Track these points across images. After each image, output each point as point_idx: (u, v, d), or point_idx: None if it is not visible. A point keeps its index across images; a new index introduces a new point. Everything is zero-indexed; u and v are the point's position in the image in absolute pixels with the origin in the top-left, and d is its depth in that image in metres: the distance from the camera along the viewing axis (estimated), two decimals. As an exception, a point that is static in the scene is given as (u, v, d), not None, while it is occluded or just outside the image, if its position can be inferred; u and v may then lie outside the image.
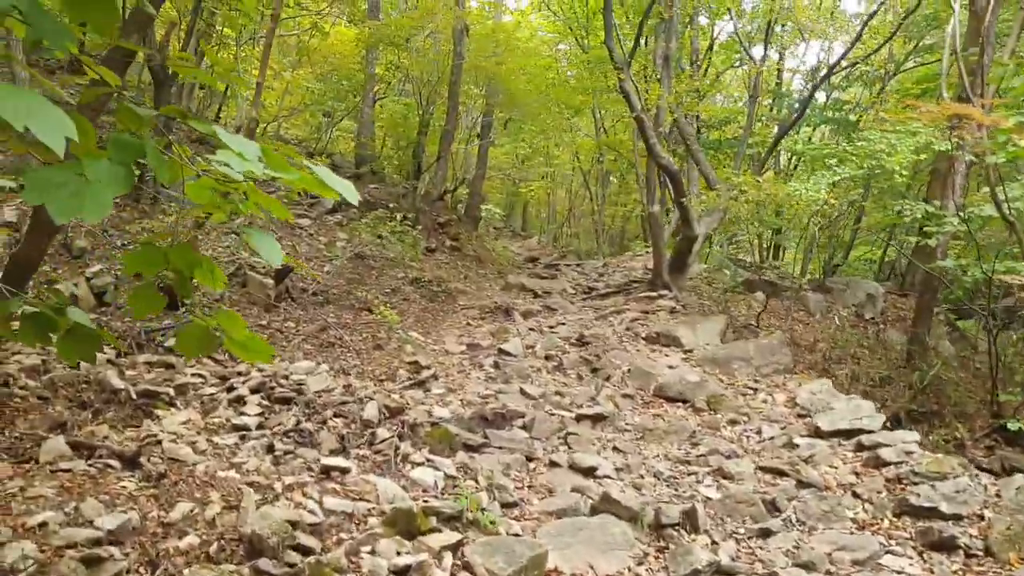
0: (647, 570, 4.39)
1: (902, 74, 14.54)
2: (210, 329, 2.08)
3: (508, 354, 8.22)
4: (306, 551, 3.50)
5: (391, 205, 11.91)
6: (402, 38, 12.62)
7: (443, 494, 4.83)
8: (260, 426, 5.29)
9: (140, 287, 2.09)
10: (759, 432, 6.42)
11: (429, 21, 11.72)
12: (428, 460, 5.17)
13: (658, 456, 6.01)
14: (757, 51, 14.11)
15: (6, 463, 3.81)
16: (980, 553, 4.72)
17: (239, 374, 6.15)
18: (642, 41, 12.31)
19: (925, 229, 8.43)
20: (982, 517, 5.02)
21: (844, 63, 11.78)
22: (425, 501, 4.57)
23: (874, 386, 8.71)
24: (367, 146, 13.53)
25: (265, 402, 5.71)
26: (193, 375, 5.99)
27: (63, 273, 7.11)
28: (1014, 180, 7.46)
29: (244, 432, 5.10)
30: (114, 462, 4.06)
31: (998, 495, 5.25)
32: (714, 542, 4.69)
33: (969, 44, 10.91)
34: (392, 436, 5.22)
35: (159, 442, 4.42)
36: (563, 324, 9.45)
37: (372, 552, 3.67)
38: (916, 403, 8.33)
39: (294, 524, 3.61)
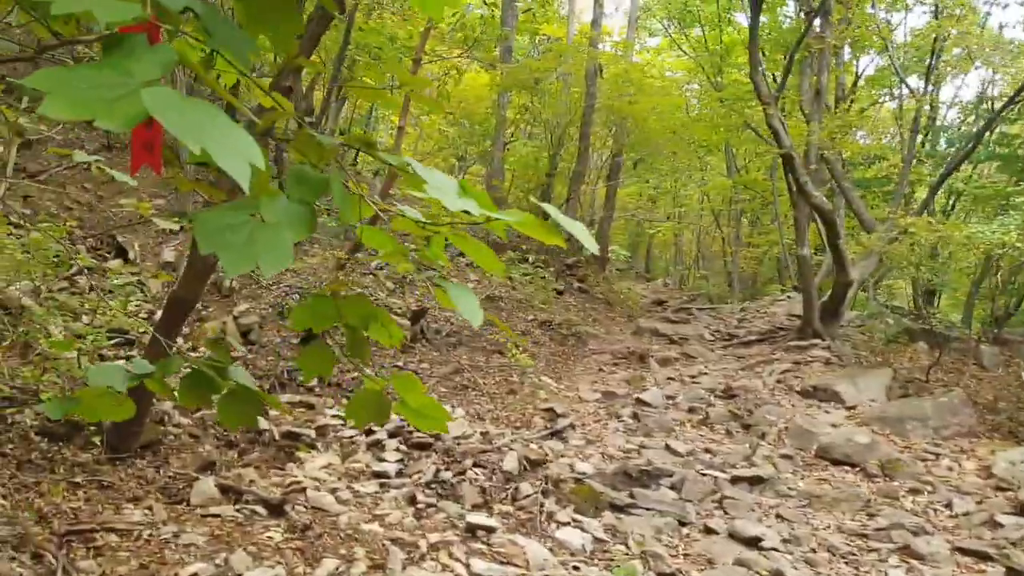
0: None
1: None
2: (383, 394, 1.82)
3: (647, 404, 7.73)
4: (457, 622, 3.19)
5: (523, 247, 11.79)
6: (533, 81, 12.63)
7: (592, 559, 4.42)
8: (399, 473, 5.10)
9: (311, 348, 1.87)
10: (949, 505, 5.57)
11: (562, 63, 11.66)
12: (574, 520, 4.78)
13: (830, 527, 5.31)
14: (912, 82, 13.09)
15: (161, 504, 3.76)
16: None
17: (377, 417, 6.03)
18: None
19: None
20: None
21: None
22: (575, 568, 4.18)
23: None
24: (497, 188, 13.57)
25: (403, 447, 5.54)
26: (332, 416, 5.93)
27: (212, 312, 7.34)
28: None
29: (384, 480, 4.92)
30: (260, 509, 3.94)
31: None
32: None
33: None
34: (535, 492, 4.88)
35: (303, 489, 4.29)
36: (705, 374, 8.85)
37: (526, 626, 3.31)
38: None
39: (444, 590, 3.31)
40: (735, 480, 5.91)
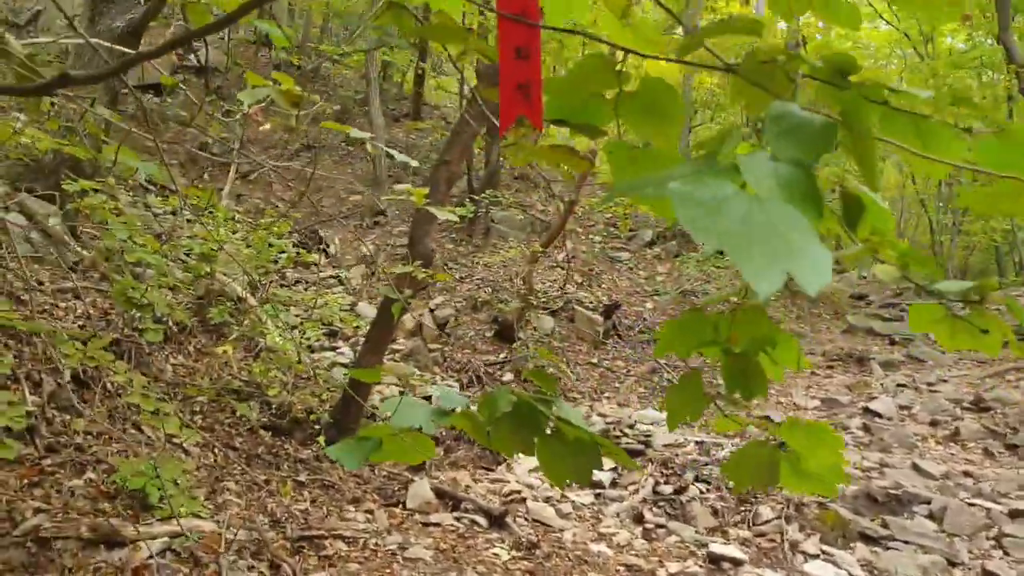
0: None
1: None
2: (770, 453, 1.34)
3: (878, 415, 6.75)
4: None
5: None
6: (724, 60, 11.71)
7: (850, 601, 3.74)
8: (614, 483, 4.67)
9: (681, 385, 1.42)
10: None
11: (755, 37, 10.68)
12: (823, 552, 4.11)
13: None
14: None
15: (381, 509, 3.57)
16: None
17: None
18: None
19: None
20: None
21: None
22: (836, 613, 3.52)
23: None
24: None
25: (612, 454, 5.10)
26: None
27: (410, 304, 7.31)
28: None
29: (599, 490, 4.50)
30: (480, 519, 3.66)
31: None
32: None
33: None
34: (777, 517, 4.24)
35: (523, 499, 3.96)
36: (944, 380, 7.65)
37: None
38: None
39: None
40: (1014, 514, 4.90)
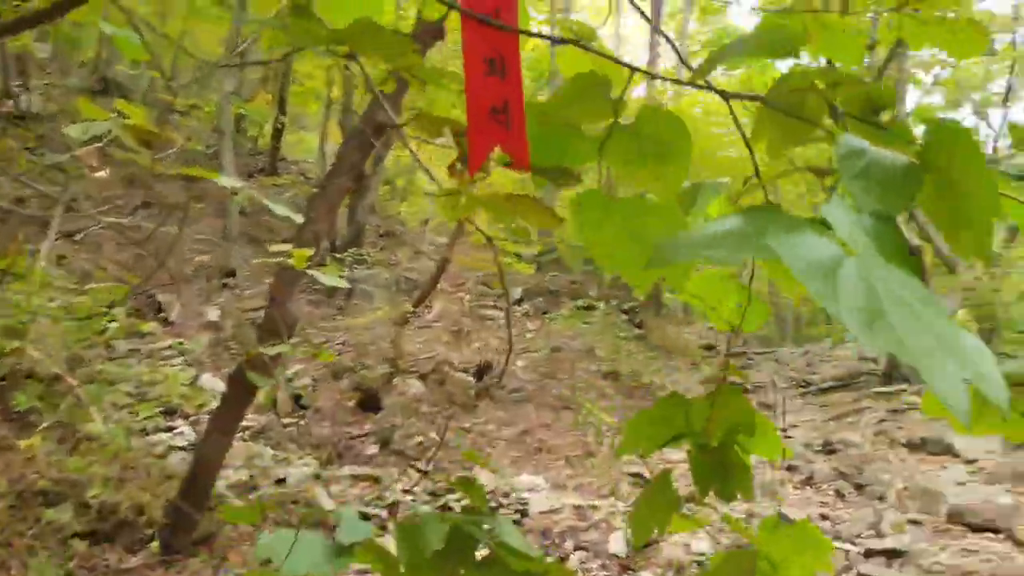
0: None
1: None
2: (752, 562, 1.18)
3: (739, 463, 6.96)
4: None
5: (596, 295, 11.17)
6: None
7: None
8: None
9: (648, 497, 1.25)
10: None
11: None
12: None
13: (997, 614, 4.50)
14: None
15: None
16: None
17: (450, 491, 5.35)
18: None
19: None
20: None
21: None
22: None
23: None
24: (551, 234, 13.06)
25: (487, 526, 4.83)
26: (403, 491, 5.25)
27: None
28: None
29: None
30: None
31: None
32: None
33: None
34: (659, 583, 4.15)
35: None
36: (795, 426, 8.07)
37: None
38: None
39: None
40: (868, 554, 5.12)
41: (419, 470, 5.58)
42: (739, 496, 1.19)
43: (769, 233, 0.58)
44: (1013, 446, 7.31)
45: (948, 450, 7.06)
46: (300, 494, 4.87)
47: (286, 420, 6.18)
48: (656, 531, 1.27)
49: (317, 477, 5.17)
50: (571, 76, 1.03)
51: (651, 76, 1.17)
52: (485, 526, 1.30)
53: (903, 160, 0.74)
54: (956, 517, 5.73)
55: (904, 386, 9.10)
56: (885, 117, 0.97)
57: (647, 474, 6.36)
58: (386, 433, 6.08)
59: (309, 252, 2.89)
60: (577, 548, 4.52)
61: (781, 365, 12.35)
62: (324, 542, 1.16)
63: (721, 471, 1.17)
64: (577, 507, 5.22)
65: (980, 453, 7.00)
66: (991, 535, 5.51)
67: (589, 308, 9.96)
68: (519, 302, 10.24)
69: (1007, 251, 7.91)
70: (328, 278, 3.07)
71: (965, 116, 13.98)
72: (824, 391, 9.85)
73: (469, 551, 1.20)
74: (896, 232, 0.65)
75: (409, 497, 5.16)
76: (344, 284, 2.72)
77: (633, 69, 1.10)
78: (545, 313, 10.11)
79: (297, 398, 6.55)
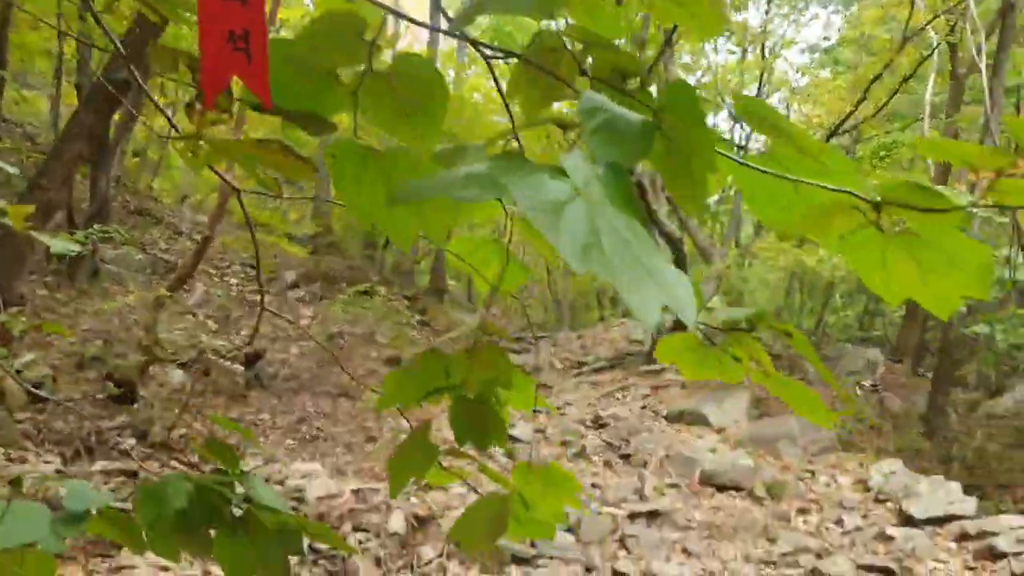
0: None
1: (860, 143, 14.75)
2: (504, 504, 1.12)
3: (517, 440, 7.16)
4: None
5: (376, 280, 10.84)
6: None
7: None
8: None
9: (410, 443, 1.13)
10: (839, 523, 5.56)
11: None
12: (484, 585, 4.07)
13: (737, 558, 5.05)
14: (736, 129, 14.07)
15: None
16: None
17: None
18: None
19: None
20: None
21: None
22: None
23: (908, 459, 8.03)
24: (327, 215, 12.53)
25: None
26: (160, 488, 4.69)
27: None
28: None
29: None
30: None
31: None
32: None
33: (950, 111, 11.00)
34: (439, 556, 4.10)
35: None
36: (570, 404, 8.48)
37: None
38: (958, 477, 7.68)
39: None
40: (632, 516, 5.51)
41: (183, 462, 5.04)
42: (496, 448, 1.17)
43: (509, 175, 0.62)
44: (756, 416, 8.33)
45: (703, 421, 7.84)
46: (39, 494, 4.16)
47: (20, 415, 5.29)
48: (416, 476, 1.21)
49: (58, 472, 4.46)
50: (321, 11, 0.93)
51: (406, 19, 1.06)
52: (239, 488, 1.17)
53: (639, 118, 0.78)
54: (707, 479, 6.38)
55: (666, 365, 9.97)
56: (631, 84, 1.00)
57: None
58: (144, 425, 5.42)
59: (26, 209, 2.42)
60: (357, 529, 4.34)
61: (558, 348, 12.98)
62: (44, 510, 1.04)
63: (479, 422, 1.13)
64: (357, 491, 5.03)
65: (729, 423, 7.86)
66: (734, 493, 6.20)
67: (369, 293, 9.71)
68: (294, 287, 9.71)
69: (753, 244, 9.00)
70: (60, 244, 2.61)
71: (722, 118, 15.70)
72: (596, 371, 10.50)
73: (220, 511, 1.06)
74: (628, 183, 0.68)
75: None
76: (75, 251, 2.31)
77: (389, 11, 0.99)
78: (322, 299, 9.70)
79: (35, 388, 5.62)
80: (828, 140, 11.24)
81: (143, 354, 5.71)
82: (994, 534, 5.07)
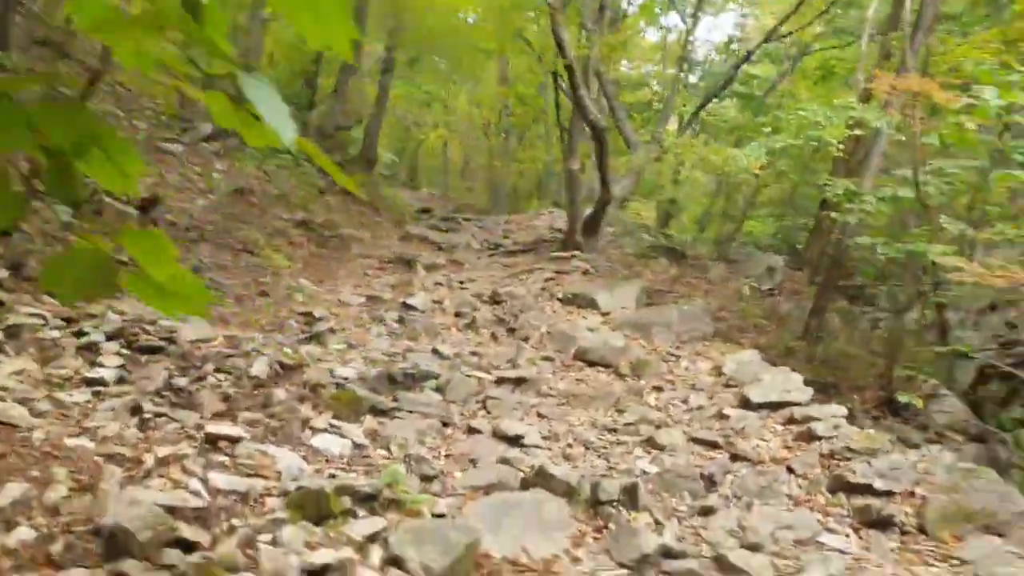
0: (587, 553, 3.85)
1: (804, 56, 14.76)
2: (107, 258, 1.24)
3: (414, 308, 7.46)
4: (188, 546, 2.66)
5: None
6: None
7: (351, 466, 4.09)
8: (121, 380, 4.27)
9: None
10: (686, 401, 6.05)
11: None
12: (332, 426, 4.38)
13: (584, 423, 5.50)
14: (672, 19, 13.83)
15: None
16: (915, 531, 4.55)
17: (91, 316, 5.02)
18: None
19: (841, 206, 8.34)
20: (913, 494, 4.86)
21: (777, 33, 11.55)
22: (332, 475, 3.81)
23: (778, 356, 8.64)
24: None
25: (126, 351, 4.66)
26: (29, 314, 4.80)
27: None
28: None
29: (99, 388, 4.08)
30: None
31: (927, 472, 5.13)
32: (657, 522, 4.23)
33: (888, 29, 11.05)
34: (290, 398, 4.37)
35: (-17, 400, 3.36)
36: (472, 280, 8.77)
37: (275, 543, 2.88)
38: (817, 375, 8.33)
39: (172, 511, 2.74)
40: (500, 381, 5.89)
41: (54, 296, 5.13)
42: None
43: None
44: (643, 304, 8.76)
45: (592, 305, 8.23)
46: None
47: None
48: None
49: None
50: None
51: None
52: None
53: None
54: (580, 355, 6.80)
55: (576, 253, 10.28)
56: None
57: (316, 314, 6.57)
58: (20, 258, 5.45)
59: None
60: (218, 371, 4.56)
61: (483, 231, 13.17)
62: None
63: (67, 179, 1.25)
64: (230, 337, 5.24)
65: (616, 308, 8.27)
66: (602, 368, 6.64)
67: (290, 154, 9.61)
68: (210, 139, 9.52)
69: (668, 140, 9.11)
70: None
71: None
72: (511, 253, 10.77)
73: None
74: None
75: (37, 319, 4.75)
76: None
77: None
78: (240, 150, 9.56)
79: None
80: (765, 43, 11.24)
81: (24, 187, 5.63)
82: (817, 419, 5.63)
